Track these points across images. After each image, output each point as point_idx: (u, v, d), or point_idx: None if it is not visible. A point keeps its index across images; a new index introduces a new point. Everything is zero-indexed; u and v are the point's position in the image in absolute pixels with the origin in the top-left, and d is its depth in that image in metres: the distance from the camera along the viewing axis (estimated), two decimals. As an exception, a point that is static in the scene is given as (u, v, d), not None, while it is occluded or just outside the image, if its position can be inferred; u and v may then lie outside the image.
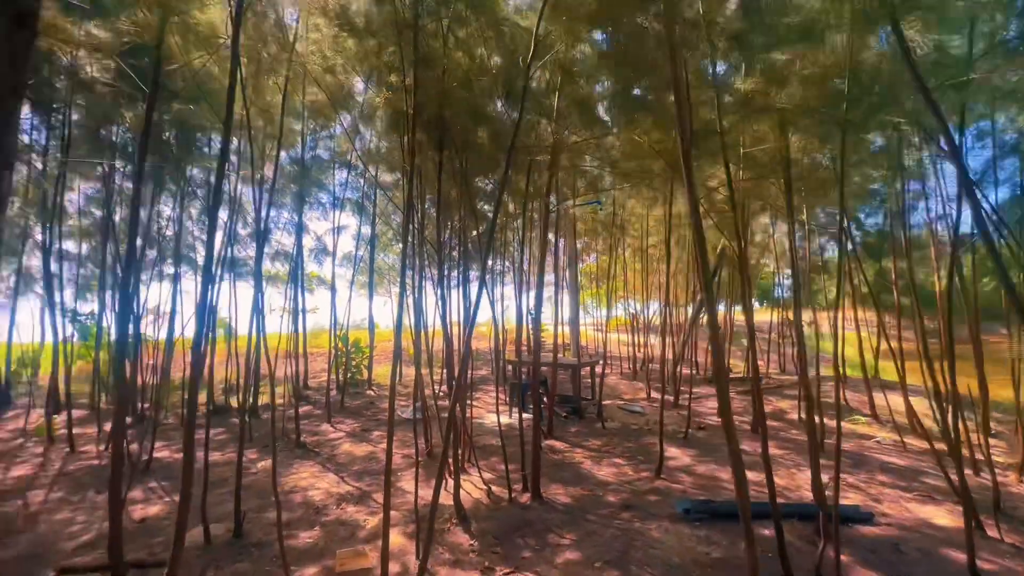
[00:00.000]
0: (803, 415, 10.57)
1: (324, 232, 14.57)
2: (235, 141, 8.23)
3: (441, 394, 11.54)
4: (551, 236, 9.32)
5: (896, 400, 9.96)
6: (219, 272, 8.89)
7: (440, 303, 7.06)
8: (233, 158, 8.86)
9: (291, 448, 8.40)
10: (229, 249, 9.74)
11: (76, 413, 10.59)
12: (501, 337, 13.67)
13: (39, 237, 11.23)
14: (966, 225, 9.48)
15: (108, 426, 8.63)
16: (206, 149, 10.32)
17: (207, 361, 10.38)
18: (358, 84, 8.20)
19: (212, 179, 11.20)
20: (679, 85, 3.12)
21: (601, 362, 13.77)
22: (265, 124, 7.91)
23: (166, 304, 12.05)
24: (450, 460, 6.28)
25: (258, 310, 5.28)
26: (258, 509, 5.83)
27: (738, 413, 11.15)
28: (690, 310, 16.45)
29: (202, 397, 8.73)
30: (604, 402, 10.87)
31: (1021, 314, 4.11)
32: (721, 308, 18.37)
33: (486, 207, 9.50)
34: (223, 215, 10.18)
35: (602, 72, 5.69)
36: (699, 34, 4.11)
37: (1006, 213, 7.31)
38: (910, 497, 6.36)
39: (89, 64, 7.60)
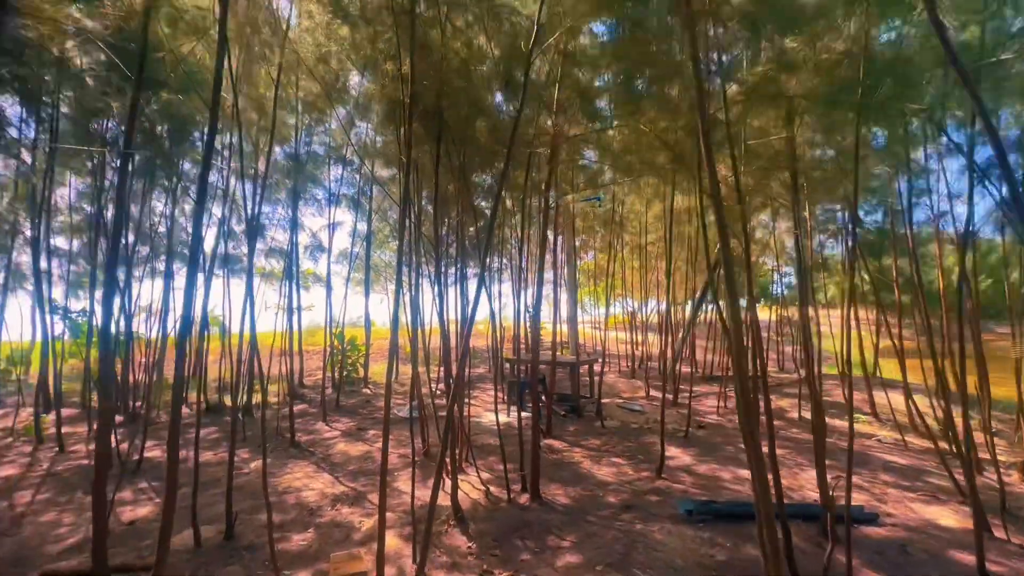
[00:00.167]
0: (803, 414, 10.51)
1: (320, 228, 14.37)
2: (228, 135, 8.06)
3: (438, 393, 11.41)
4: (550, 233, 9.19)
5: (896, 398, 9.89)
6: (211, 268, 8.78)
7: (437, 300, 6.93)
8: (227, 153, 8.71)
9: (285, 447, 8.25)
10: (222, 245, 9.60)
11: (66, 412, 10.42)
12: (499, 335, 13.54)
13: (29, 233, 11.03)
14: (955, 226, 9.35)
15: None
16: (199, 144, 10.18)
17: (201, 359, 10.22)
18: (353, 78, 8.06)
19: (201, 174, 11.04)
20: (696, 60, 2.96)
21: (600, 360, 13.66)
22: (259, 117, 7.75)
23: (159, 301, 11.95)
24: (448, 460, 6.16)
25: (251, 306, 5.13)
26: (251, 510, 5.69)
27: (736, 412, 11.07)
28: (688, 308, 16.37)
29: (196, 396, 8.55)
30: (603, 400, 10.75)
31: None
32: (712, 307, 18.30)
33: (484, 204, 9.37)
34: (216, 211, 10.09)
35: (605, 59, 5.54)
36: (707, 7, 3.92)
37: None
38: (914, 497, 6.27)
39: (77, 56, 7.46)
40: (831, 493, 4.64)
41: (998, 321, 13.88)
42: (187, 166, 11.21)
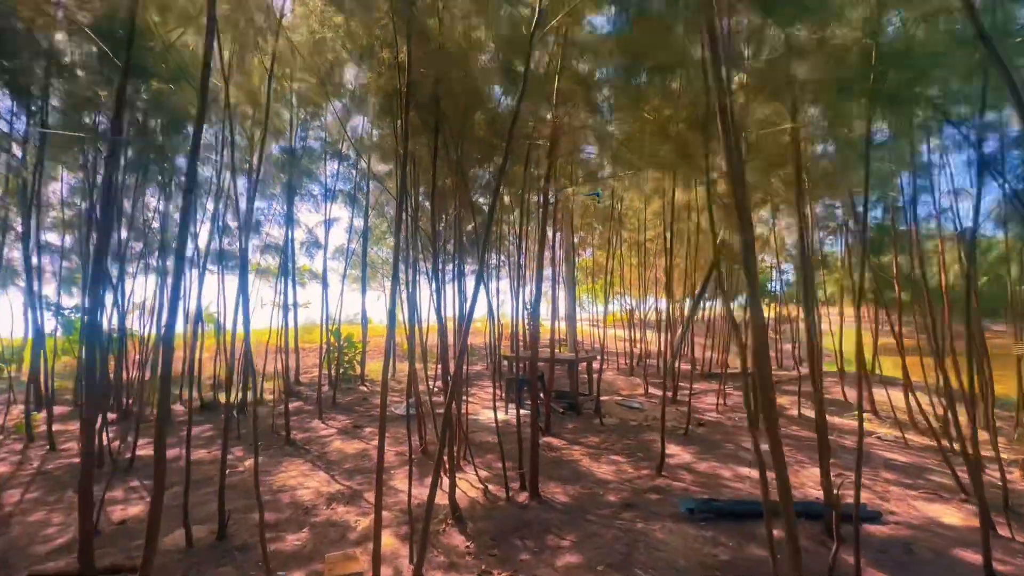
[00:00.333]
0: (802, 411, 10.45)
1: (316, 224, 14.21)
2: (222, 128, 7.93)
3: (436, 390, 11.31)
4: (548, 229, 9.08)
5: (896, 395, 9.84)
6: (204, 264, 8.65)
7: (435, 297, 6.83)
8: (221, 147, 8.57)
9: (280, 445, 8.14)
10: (216, 241, 9.47)
11: (59, 409, 10.29)
12: (497, 332, 13.45)
13: (20, 228, 10.86)
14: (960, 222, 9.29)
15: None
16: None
17: (195, 356, 10.09)
18: (348, 73, 7.92)
19: (190, 160, 10.91)
20: (712, 28, 2.82)
21: (598, 357, 13.58)
22: (253, 110, 7.62)
23: (153, 298, 11.81)
24: (445, 458, 6.07)
25: (239, 302, 5.02)
26: (244, 510, 5.58)
27: (737, 409, 11.02)
28: (687, 305, 16.30)
29: (188, 393, 8.43)
30: (601, 398, 10.67)
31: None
32: (710, 304, 18.26)
33: (481, 200, 9.26)
34: (210, 206, 9.93)
35: (608, 45, 5.42)
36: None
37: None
38: (916, 495, 6.21)
39: (67, 46, 7.31)
40: (837, 492, 4.56)
41: (993, 319, 13.85)
42: (181, 161, 11.12)
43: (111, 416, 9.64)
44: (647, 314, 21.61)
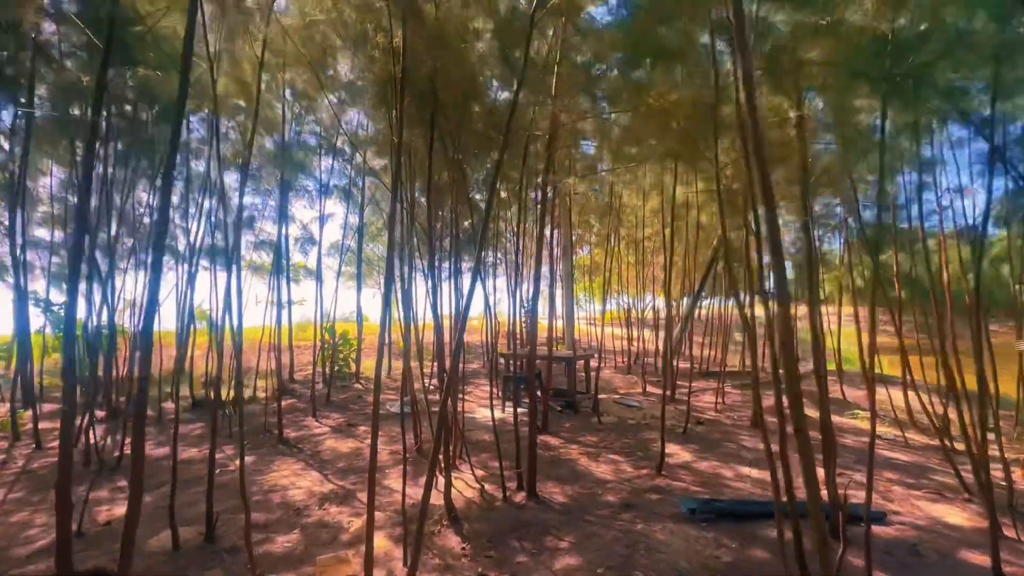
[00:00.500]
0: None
1: (310, 220, 14.03)
2: (211, 119, 7.75)
3: (432, 388, 11.17)
4: (547, 225, 8.95)
5: (896, 394, 9.77)
6: (196, 260, 8.48)
7: (431, 294, 6.69)
8: (215, 141, 8.38)
9: (273, 444, 7.99)
10: (209, 236, 9.30)
11: (48, 407, 10.11)
12: (494, 330, 13.31)
13: (7, 222, 10.64)
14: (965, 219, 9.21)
15: (80, 421, 8.14)
16: (190, 134, 9.85)
17: (185, 353, 9.91)
18: (342, 63, 7.75)
19: (188, 157, 10.71)
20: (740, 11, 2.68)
21: (596, 355, 13.46)
22: (244, 100, 7.45)
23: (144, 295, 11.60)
24: (441, 457, 5.93)
25: (229, 298, 4.87)
26: (234, 510, 5.42)
27: (735, 408, 10.92)
28: (685, 303, 16.21)
29: (185, 391, 8.27)
30: (599, 396, 10.56)
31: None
32: (708, 302, 18.19)
33: (478, 196, 9.11)
34: (202, 200, 9.75)
35: (610, 33, 5.28)
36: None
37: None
38: (920, 495, 6.11)
39: (54, 35, 7.13)
40: (844, 493, 4.44)
41: (993, 318, 13.80)
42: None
43: (100, 414, 9.46)
44: (645, 312, 21.54)
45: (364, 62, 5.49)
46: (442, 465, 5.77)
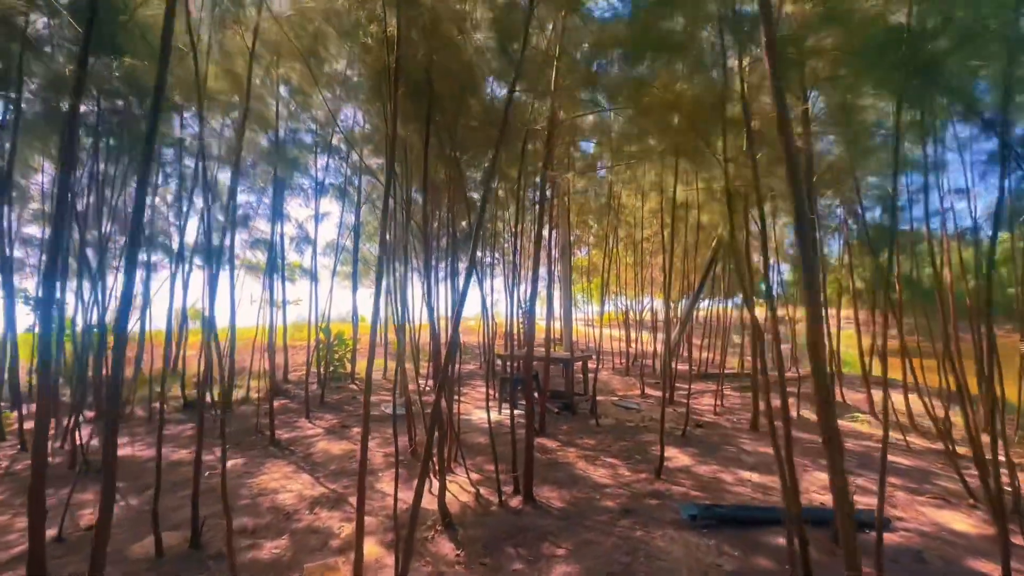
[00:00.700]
0: (801, 412, 10.24)
1: (305, 218, 13.82)
2: (202, 112, 7.59)
3: (427, 389, 11.03)
4: (545, 224, 8.82)
5: (896, 398, 9.66)
6: (189, 258, 8.32)
7: (426, 294, 6.55)
8: (215, 141, 8.24)
9: (264, 446, 7.82)
10: (203, 234, 9.13)
11: (36, 408, 9.90)
12: (491, 331, 13.17)
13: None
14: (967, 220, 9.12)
15: (67, 422, 7.98)
16: (176, 126, 9.71)
17: (176, 353, 9.75)
18: (336, 56, 7.61)
19: (181, 153, 10.56)
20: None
21: (594, 357, 13.34)
22: (239, 99, 7.30)
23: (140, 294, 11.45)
24: (435, 459, 5.79)
25: (212, 297, 4.72)
26: (221, 515, 5.18)
27: (735, 410, 10.81)
28: (683, 304, 16.10)
29: (161, 390, 8.09)
30: (597, 398, 10.42)
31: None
32: (707, 304, 18.09)
33: (476, 196, 8.99)
34: (198, 200, 9.59)
35: (613, 26, 5.15)
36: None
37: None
38: (923, 500, 6.00)
39: (41, 26, 6.95)
40: (851, 498, 4.30)
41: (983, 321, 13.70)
42: (168, 153, 10.77)
43: (89, 415, 9.29)
44: (643, 314, 21.44)
45: (357, 52, 5.34)
46: (436, 468, 5.64)
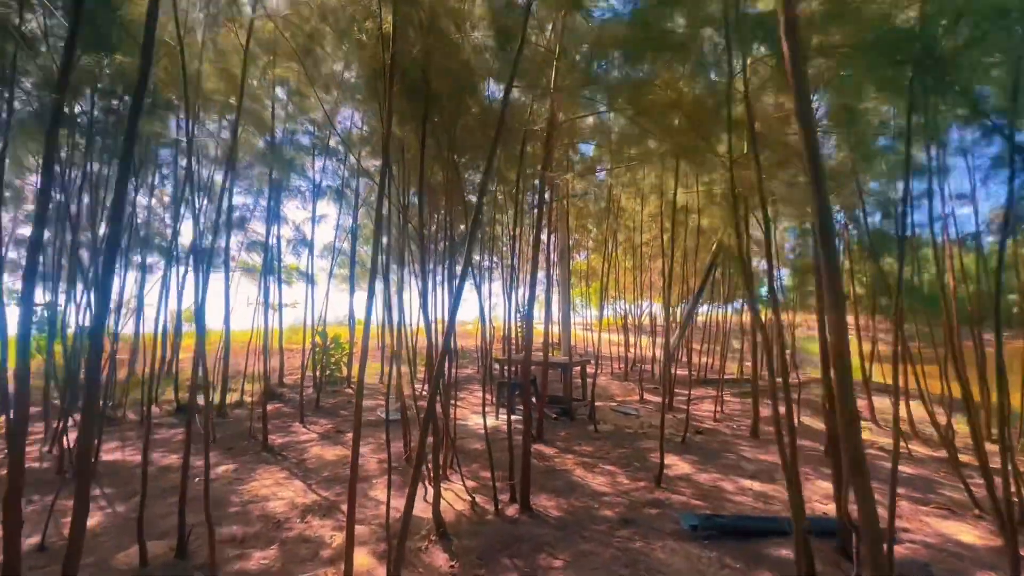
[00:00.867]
0: (801, 419, 10.11)
1: (302, 221, 13.73)
2: (200, 114, 7.51)
3: (423, 394, 10.89)
4: (544, 227, 8.73)
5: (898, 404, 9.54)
6: (182, 260, 8.21)
7: (422, 297, 6.44)
8: (211, 143, 8.14)
9: (257, 451, 7.68)
10: (197, 236, 9.02)
11: (12, 413, 9.73)
12: (489, 335, 13.05)
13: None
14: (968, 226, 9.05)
15: (57, 425, 7.85)
16: (184, 130, 9.62)
17: (168, 357, 9.61)
18: (332, 56, 7.53)
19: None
20: None
21: (592, 361, 13.23)
22: (234, 99, 7.20)
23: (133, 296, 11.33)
24: (429, 466, 5.65)
25: (203, 300, 4.61)
26: (210, 522, 5.13)
27: (735, 417, 10.69)
28: (682, 308, 16.00)
29: (143, 395, 7.93)
30: (596, 403, 10.30)
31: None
32: (706, 308, 18.00)
33: (473, 199, 8.90)
34: (189, 201, 9.47)
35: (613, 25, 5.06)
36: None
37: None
38: (928, 510, 5.88)
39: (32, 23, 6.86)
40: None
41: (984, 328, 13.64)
42: (164, 153, 10.68)
43: (78, 417, 9.12)
44: (642, 318, 21.33)
45: (353, 49, 5.25)
46: (431, 475, 5.51)
